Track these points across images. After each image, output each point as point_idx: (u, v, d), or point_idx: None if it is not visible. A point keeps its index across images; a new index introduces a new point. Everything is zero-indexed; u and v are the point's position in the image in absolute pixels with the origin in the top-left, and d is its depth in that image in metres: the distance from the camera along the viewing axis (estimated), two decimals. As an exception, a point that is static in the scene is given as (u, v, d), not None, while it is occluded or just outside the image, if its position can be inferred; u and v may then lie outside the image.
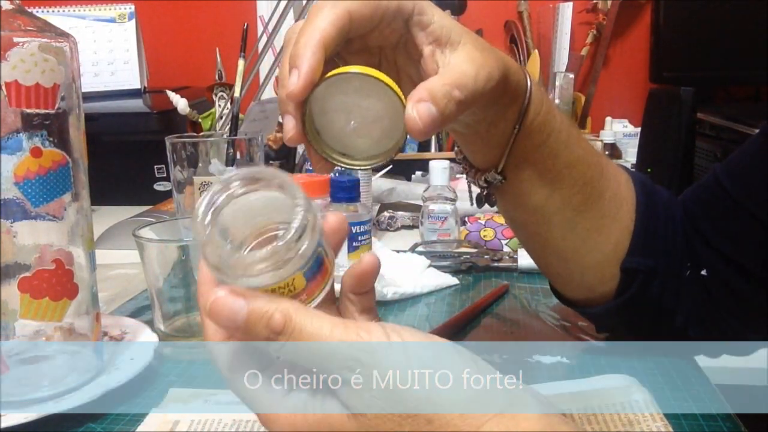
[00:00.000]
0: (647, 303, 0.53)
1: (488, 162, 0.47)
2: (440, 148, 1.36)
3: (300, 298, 0.32)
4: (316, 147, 0.39)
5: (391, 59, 0.43)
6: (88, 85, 1.36)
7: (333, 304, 0.37)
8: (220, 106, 1.23)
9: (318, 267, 0.33)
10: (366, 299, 0.37)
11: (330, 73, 0.36)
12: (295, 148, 1.15)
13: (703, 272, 0.53)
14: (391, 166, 1.12)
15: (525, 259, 0.79)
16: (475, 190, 0.51)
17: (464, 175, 0.51)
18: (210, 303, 0.31)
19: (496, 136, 0.45)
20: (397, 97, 0.36)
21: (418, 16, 0.39)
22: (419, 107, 0.36)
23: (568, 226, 0.50)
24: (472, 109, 0.42)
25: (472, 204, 0.53)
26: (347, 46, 0.40)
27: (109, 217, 1.02)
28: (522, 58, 1.52)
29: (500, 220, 0.91)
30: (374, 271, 0.36)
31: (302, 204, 0.31)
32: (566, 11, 1.51)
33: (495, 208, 0.52)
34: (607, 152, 1.38)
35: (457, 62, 0.39)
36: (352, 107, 0.37)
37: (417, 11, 0.39)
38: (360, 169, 0.41)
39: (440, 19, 0.39)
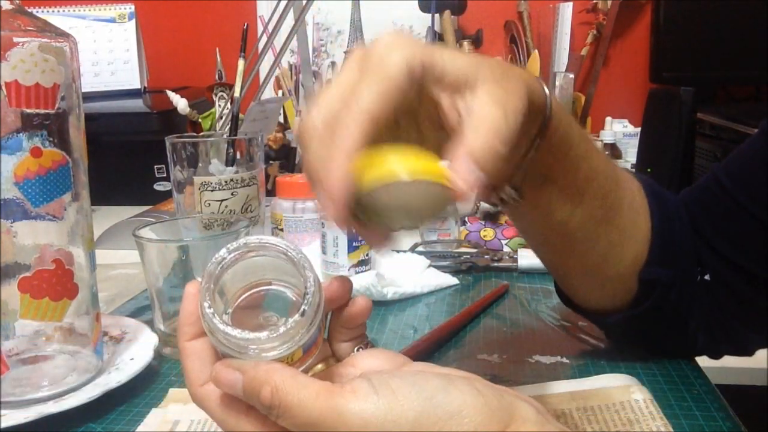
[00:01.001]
0: (664, 311, 0.52)
1: (506, 176, 0.44)
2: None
3: (294, 366, 0.33)
4: (372, 225, 0.36)
5: (408, 113, 0.39)
6: (88, 85, 1.36)
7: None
8: (220, 106, 1.23)
9: (314, 341, 0.33)
10: (356, 331, 0.37)
11: (378, 175, 0.33)
12: (295, 148, 1.15)
13: (707, 276, 0.53)
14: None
15: (525, 259, 0.79)
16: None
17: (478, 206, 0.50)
18: (214, 375, 0.31)
19: (518, 153, 0.42)
20: (442, 186, 0.34)
21: (431, 71, 0.35)
22: (464, 176, 0.33)
23: (591, 241, 0.49)
24: None
25: (475, 213, 0.51)
26: None
27: (109, 217, 1.02)
28: (522, 58, 1.52)
29: (500, 220, 0.91)
30: (366, 312, 0.37)
31: (312, 280, 0.32)
32: (566, 11, 1.51)
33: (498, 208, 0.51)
34: (607, 152, 1.38)
35: (482, 108, 0.34)
36: (401, 202, 0.34)
37: (429, 66, 0.35)
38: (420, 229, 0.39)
39: (451, 62, 0.35)
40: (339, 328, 0.37)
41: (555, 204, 0.46)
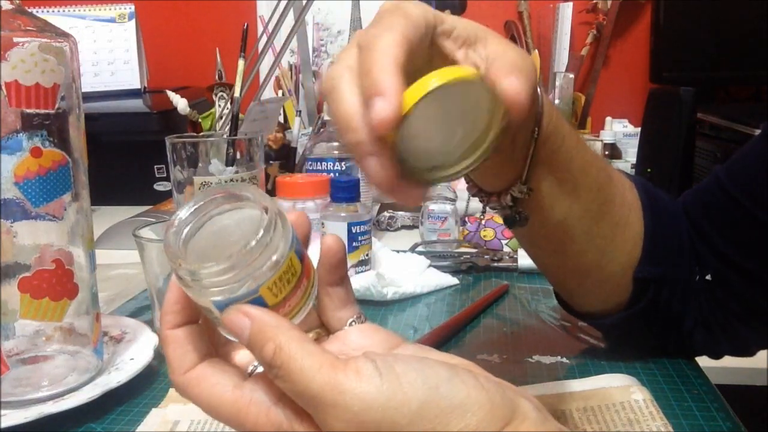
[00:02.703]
0: (658, 310, 0.52)
1: (511, 178, 0.45)
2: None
3: (303, 283, 0.32)
4: (411, 177, 0.33)
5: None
6: (88, 85, 1.36)
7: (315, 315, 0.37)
8: (220, 106, 1.23)
9: (300, 249, 0.33)
10: (342, 291, 0.36)
11: (416, 93, 0.31)
12: (295, 148, 1.15)
13: (708, 276, 0.53)
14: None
15: (525, 259, 0.79)
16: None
17: (485, 209, 0.49)
18: (223, 318, 0.31)
19: (518, 146, 0.43)
20: (488, 90, 0.33)
21: (441, 26, 0.37)
22: (513, 84, 0.33)
23: (587, 237, 0.49)
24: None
25: (508, 226, 0.50)
26: None
27: (109, 217, 1.02)
28: (522, 58, 1.52)
29: (500, 220, 0.91)
30: (340, 250, 0.35)
31: (260, 196, 0.31)
32: (566, 11, 1.51)
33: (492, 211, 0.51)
34: (607, 152, 1.38)
35: (504, 53, 0.36)
36: (443, 119, 0.33)
37: (439, 21, 0.36)
38: (459, 175, 0.36)
39: (458, 21, 0.37)
40: (324, 287, 0.36)
41: (555, 198, 0.46)
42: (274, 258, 0.30)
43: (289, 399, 0.30)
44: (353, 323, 0.36)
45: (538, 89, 0.42)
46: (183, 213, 0.33)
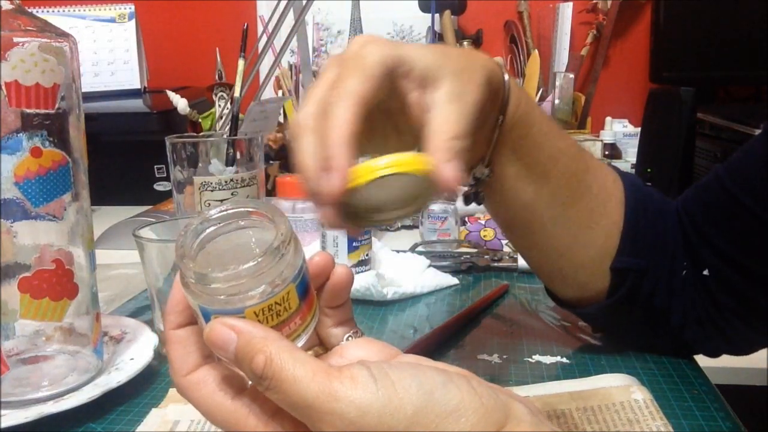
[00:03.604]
0: (639, 302, 0.53)
1: (475, 158, 0.48)
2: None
3: (295, 321, 0.32)
4: (353, 220, 0.38)
5: (383, 111, 0.42)
6: (88, 85, 1.36)
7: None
8: (220, 106, 1.23)
9: (306, 288, 0.33)
10: (342, 312, 0.36)
11: (364, 175, 0.35)
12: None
13: (705, 272, 0.53)
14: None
15: (521, 257, 0.79)
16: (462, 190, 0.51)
17: None
18: (207, 331, 0.30)
19: (483, 131, 0.46)
20: (427, 177, 0.36)
21: (400, 68, 0.39)
22: (446, 173, 0.36)
23: (558, 221, 0.50)
24: None
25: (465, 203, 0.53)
26: None
27: (109, 217, 1.02)
28: (522, 58, 1.52)
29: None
30: (348, 282, 0.36)
31: (282, 220, 0.32)
32: (566, 11, 1.51)
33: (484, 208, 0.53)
34: (607, 152, 1.38)
35: (444, 105, 0.38)
36: (384, 191, 0.37)
37: (399, 63, 0.39)
38: (393, 222, 0.42)
39: (420, 59, 0.39)
40: (324, 309, 0.36)
41: (521, 183, 0.48)
42: (260, 288, 0.30)
43: (286, 418, 0.29)
44: (350, 338, 0.36)
45: (505, 77, 0.45)
46: (212, 213, 0.33)
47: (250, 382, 0.32)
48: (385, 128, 0.44)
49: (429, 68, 0.39)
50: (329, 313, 0.36)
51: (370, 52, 0.38)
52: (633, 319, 0.55)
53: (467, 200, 0.51)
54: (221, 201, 0.68)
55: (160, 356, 0.56)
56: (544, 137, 0.48)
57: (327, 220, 0.36)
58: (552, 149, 0.48)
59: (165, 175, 1.21)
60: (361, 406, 0.27)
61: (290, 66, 1.40)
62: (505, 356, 0.58)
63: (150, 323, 0.60)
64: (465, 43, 1.43)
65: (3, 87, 0.44)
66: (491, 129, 0.46)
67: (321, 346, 0.36)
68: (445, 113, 0.38)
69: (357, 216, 0.38)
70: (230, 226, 0.33)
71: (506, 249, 0.89)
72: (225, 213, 0.33)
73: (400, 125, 0.43)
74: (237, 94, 0.77)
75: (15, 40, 0.44)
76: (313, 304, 0.34)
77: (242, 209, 0.33)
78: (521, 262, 0.80)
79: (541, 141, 0.48)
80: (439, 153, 0.36)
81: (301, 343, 0.33)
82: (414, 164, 0.36)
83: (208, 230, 0.33)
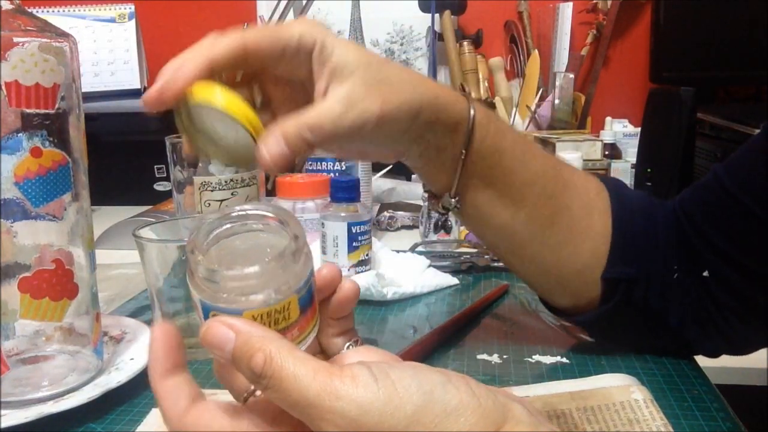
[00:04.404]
0: (634, 308, 0.53)
1: (444, 187, 0.48)
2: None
3: (292, 332, 0.32)
4: (184, 132, 0.41)
5: (311, 91, 0.44)
6: (88, 85, 1.36)
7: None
8: (220, 106, 1.23)
9: (310, 300, 0.32)
10: (345, 323, 0.36)
11: (195, 99, 0.39)
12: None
13: (705, 273, 0.53)
14: (390, 167, 1.12)
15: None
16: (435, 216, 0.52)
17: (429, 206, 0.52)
18: (202, 331, 0.30)
19: (447, 161, 0.47)
20: (249, 133, 0.39)
21: (318, 52, 0.40)
22: (269, 145, 0.39)
23: (538, 240, 0.51)
24: (411, 138, 0.45)
25: (426, 234, 0.54)
26: (265, 76, 0.44)
27: (109, 217, 1.02)
28: (522, 58, 1.52)
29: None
30: (355, 297, 0.36)
31: (298, 229, 0.32)
32: (566, 11, 1.51)
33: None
34: (607, 152, 1.38)
35: (329, 101, 0.41)
36: (216, 129, 0.40)
37: (318, 46, 0.40)
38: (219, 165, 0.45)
39: (343, 53, 0.41)
40: (327, 319, 0.36)
41: (495, 208, 0.49)
42: (263, 293, 0.30)
43: (285, 424, 0.29)
44: (350, 347, 0.36)
45: (471, 112, 0.46)
46: (231, 211, 0.33)
47: (245, 400, 0.32)
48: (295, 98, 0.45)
49: (346, 63, 0.41)
50: (332, 323, 0.36)
51: (292, 26, 0.41)
52: (629, 323, 0.55)
53: (435, 228, 0.51)
54: (221, 201, 0.68)
55: (160, 356, 0.56)
56: (518, 163, 0.48)
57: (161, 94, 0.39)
58: (526, 174, 0.49)
59: (165, 175, 1.21)
60: (362, 405, 0.27)
61: (290, 66, 1.39)
62: (505, 356, 0.58)
63: (150, 323, 0.60)
64: (465, 42, 1.43)
65: (3, 87, 0.44)
66: (453, 161, 0.47)
67: (322, 354, 0.37)
68: (323, 107, 0.40)
69: (188, 130, 0.40)
70: (246, 226, 0.33)
71: (506, 249, 0.89)
72: (244, 213, 0.33)
73: (274, 94, 0.45)
74: (237, 94, 0.77)
75: (15, 40, 0.44)
76: (314, 317, 0.34)
77: (261, 212, 0.33)
78: (521, 262, 0.80)
79: (514, 167, 0.48)
80: (282, 127, 0.39)
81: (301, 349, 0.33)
82: (249, 120, 0.38)
83: (224, 227, 0.33)
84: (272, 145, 0.39)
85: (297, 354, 0.29)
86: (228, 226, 0.33)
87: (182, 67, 0.39)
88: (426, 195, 0.52)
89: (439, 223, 0.52)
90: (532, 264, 0.53)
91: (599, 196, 0.53)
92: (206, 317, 0.31)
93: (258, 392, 0.32)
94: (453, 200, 0.48)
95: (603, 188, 0.54)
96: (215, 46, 0.40)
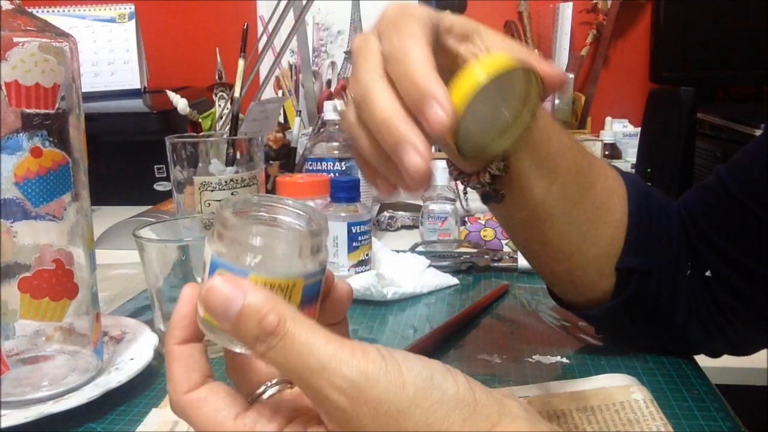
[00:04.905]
0: (644, 302, 0.53)
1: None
2: (439, 149, 1.36)
3: None
4: (468, 157, 0.39)
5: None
6: (88, 85, 1.36)
7: None
8: (220, 106, 1.23)
9: (312, 298, 0.32)
10: (339, 329, 0.36)
11: (464, 91, 0.34)
12: (295, 148, 1.15)
13: (707, 273, 0.53)
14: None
15: (525, 259, 0.79)
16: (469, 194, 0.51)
17: (466, 189, 0.51)
18: (206, 288, 0.29)
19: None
20: (529, 71, 0.37)
21: (442, 24, 0.39)
22: (548, 67, 0.39)
23: (567, 219, 0.50)
24: None
25: (465, 207, 0.53)
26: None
27: (109, 217, 1.02)
28: (522, 58, 1.52)
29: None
30: (348, 298, 0.35)
31: (322, 224, 0.33)
32: (566, 11, 1.51)
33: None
34: (607, 152, 1.38)
35: (497, 42, 0.41)
36: (489, 106, 0.38)
37: (440, 20, 0.39)
38: (513, 145, 0.42)
39: (454, 18, 0.41)
40: (322, 322, 0.36)
41: (533, 179, 0.48)
42: (270, 262, 0.30)
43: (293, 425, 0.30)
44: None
45: None
46: (270, 195, 0.36)
47: (251, 402, 0.31)
48: None
49: (468, 23, 0.42)
50: (327, 327, 0.36)
51: (414, 8, 0.37)
52: (636, 320, 0.54)
53: (487, 198, 0.49)
54: (221, 201, 0.68)
55: (160, 356, 0.56)
56: (551, 131, 0.48)
57: (419, 164, 0.32)
58: (558, 143, 0.48)
59: (165, 175, 1.21)
60: (370, 378, 0.28)
61: (290, 66, 1.40)
62: (505, 356, 0.58)
63: (150, 323, 0.60)
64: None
65: (3, 87, 0.44)
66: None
67: None
68: (509, 44, 0.41)
69: (471, 150, 0.38)
70: (279, 211, 0.34)
71: (506, 249, 0.89)
72: (280, 199, 0.35)
73: None
74: (237, 94, 0.77)
75: (15, 40, 0.44)
76: (313, 318, 0.34)
77: (298, 206, 0.34)
78: (521, 262, 0.80)
79: (548, 134, 0.48)
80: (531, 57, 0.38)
81: None
82: (506, 61, 0.35)
83: (260, 203, 0.34)
84: (544, 64, 0.39)
85: (309, 321, 0.29)
86: (265, 202, 0.34)
87: (432, 87, 0.32)
88: (454, 173, 0.50)
89: (491, 192, 0.49)
90: (555, 248, 0.52)
91: (617, 182, 0.53)
92: (211, 275, 0.31)
93: (265, 395, 0.32)
94: (502, 164, 0.46)
95: (619, 176, 0.54)
96: (423, 57, 0.34)
